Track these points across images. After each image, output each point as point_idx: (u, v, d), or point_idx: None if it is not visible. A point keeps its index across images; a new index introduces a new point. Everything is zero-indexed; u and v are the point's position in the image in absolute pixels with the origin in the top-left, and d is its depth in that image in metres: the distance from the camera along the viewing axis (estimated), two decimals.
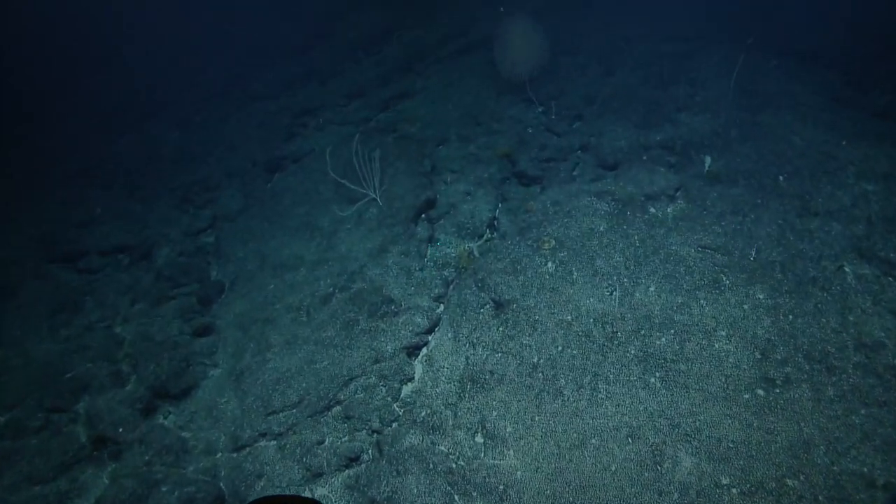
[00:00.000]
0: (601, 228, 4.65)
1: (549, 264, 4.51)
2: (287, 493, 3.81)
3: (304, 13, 11.69)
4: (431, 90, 8.42)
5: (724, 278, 4.04)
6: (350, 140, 7.62)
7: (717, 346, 3.65)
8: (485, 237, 5.56)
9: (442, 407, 3.91)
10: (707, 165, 4.95)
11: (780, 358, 3.48)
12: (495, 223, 5.68)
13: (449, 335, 4.47)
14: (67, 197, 8.17)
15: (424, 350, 4.50)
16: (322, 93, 9.16)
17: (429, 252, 5.43)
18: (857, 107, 6.12)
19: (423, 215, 5.74)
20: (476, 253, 5.32)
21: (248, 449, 4.13)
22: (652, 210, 4.69)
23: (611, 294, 4.15)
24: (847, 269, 3.89)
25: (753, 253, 4.11)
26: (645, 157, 5.39)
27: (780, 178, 4.71)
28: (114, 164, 8.72)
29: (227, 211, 7.34)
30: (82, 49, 12.38)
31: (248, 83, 9.94)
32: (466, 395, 3.91)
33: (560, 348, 3.93)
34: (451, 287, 4.92)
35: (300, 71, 9.81)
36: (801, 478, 2.97)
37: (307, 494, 3.78)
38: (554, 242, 4.68)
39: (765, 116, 5.54)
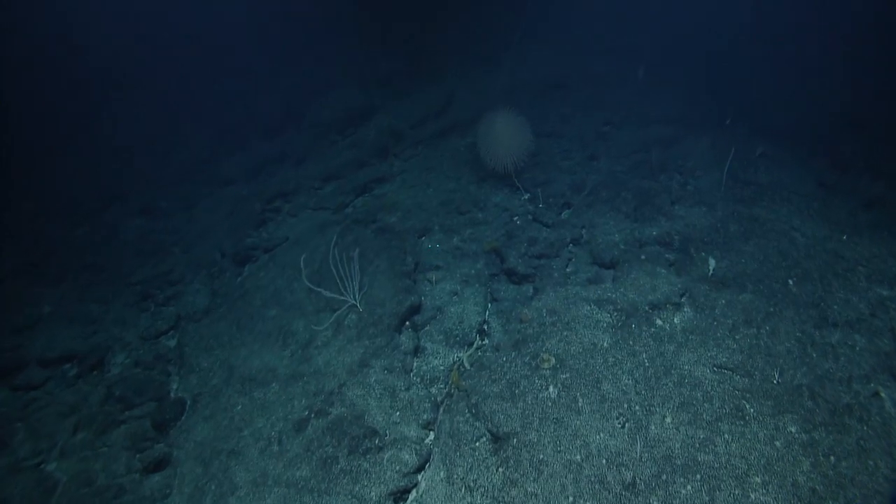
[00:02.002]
0: (605, 344, 4.23)
1: (551, 388, 4.03)
2: None
3: (279, 90, 11.55)
4: (410, 173, 8.16)
5: (748, 406, 3.62)
6: (326, 228, 7.22)
7: (753, 497, 3.17)
8: (475, 344, 5.10)
9: None
10: (711, 268, 4.65)
11: None
12: (486, 327, 5.24)
13: (441, 475, 3.89)
14: (10, 295, 7.44)
15: (414, 494, 3.90)
16: (296, 175, 8.82)
17: (415, 365, 4.92)
18: (844, 193, 6.01)
19: (406, 322, 5.26)
20: (467, 364, 4.84)
21: None
22: (658, 322, 4.31)
23: (622, 426, 3.67)
24: (883, 395, 3.52)
25: (776, 375, 3.73)
26: (643, 257, 5.08)
27: (790, 282, 4.42)
28: (68, 257, 8.07)
29: (193, 309, 6.74)
30: (37, 130, 11.87)
31: (219, 165, 9.57)
32: None
33: (571, 499, 3.40)
34: (442, 410, 4.39)
35: (274, 152, 9.51)
36: None
37: None
38: (554, 360, 4.23)
39: (761, 210, 5.34)
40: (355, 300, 5.31)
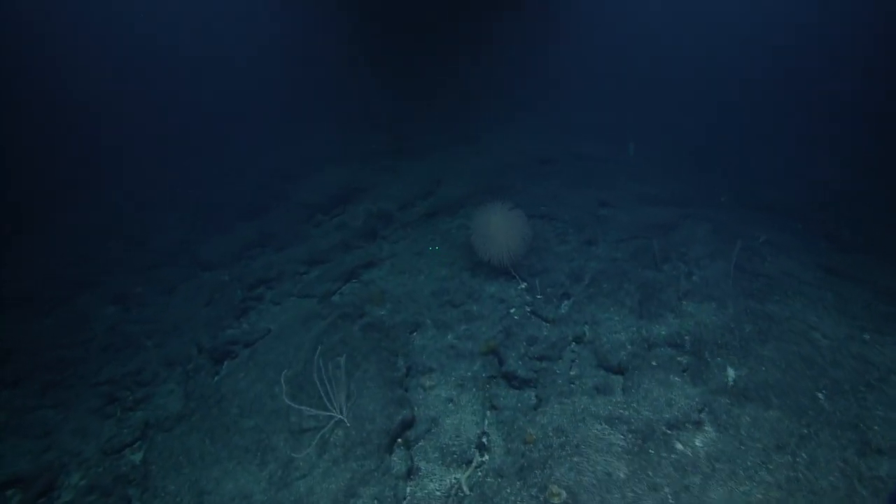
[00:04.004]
0: (621, 475, 3.76)
1: None
2: None
3: (259, 170, 11.39)
4: (400, 258, 7.83)
5: None
6: (310, 320, 6.77)
7: None
8: (474, 462, 4.58)
9: None
10: (731, 378, 4.27)
11: None
12: (485, 440, 4.74)
13: None
14: None
15: None
16: (279, 260, 8.45)
17: (408, 492, 4.37)
18: (854, 280, 5.79)
19: (399, 439, 4.75)
20: (466, 489, 4.30)
21: None
22: (678, 446, 3.87)
23: None
24: None
25: None
26: (654, 362, 4.70)
27: (820, 395, 4.05)
28: (28, 354, 7.46)
29: (163, 415, 6.13)
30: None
31: (198, 248, 9.17)
32: None
33: None
34: None
35: (255, 235, 9.17)
36: None
37: None
38: (565, 495, 3.73)
39: (774, 306, 5.05)
40: (342, 415, 4.80)
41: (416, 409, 5.01)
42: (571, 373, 5.09)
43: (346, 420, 4.79)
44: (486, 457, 4.64)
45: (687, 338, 4.92)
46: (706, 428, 4.01)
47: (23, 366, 7.28)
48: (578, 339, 5.43)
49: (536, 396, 4.96)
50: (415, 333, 6.07)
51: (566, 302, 6.08)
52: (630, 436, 4.03)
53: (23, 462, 5.78)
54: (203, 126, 15.05)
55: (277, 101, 15.64)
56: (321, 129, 12.82)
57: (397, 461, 4.53)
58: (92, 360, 7.25)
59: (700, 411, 4.13)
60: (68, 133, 14.25)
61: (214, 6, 20.01)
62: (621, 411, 4.29)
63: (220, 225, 9.83)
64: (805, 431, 3.80)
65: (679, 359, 4.75)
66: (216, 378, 6.47)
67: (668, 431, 4.00)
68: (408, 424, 4.82)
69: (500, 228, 6.06)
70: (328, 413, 4.76)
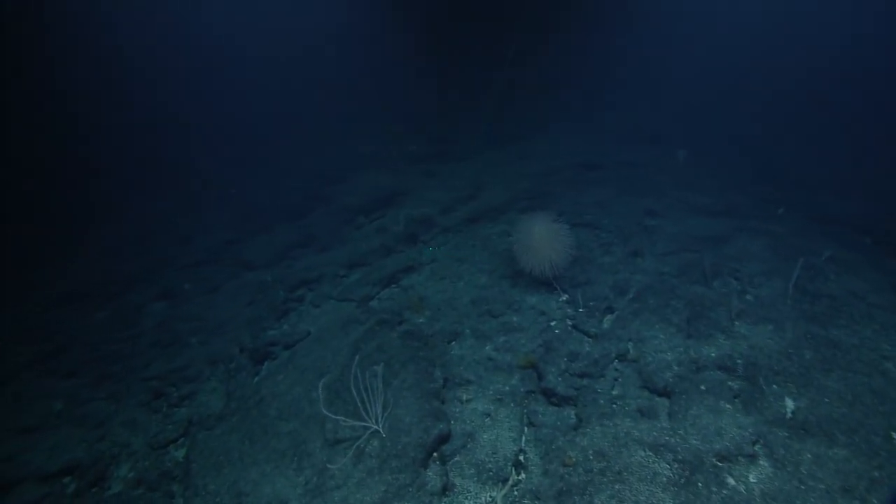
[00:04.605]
0: None
1: None
2: None
3: (303, 172, 11.58)
4: (440, 263, 7.78)
5: None
6: (349, 325, 6.80)
7: None
8: (511, 481, 4.47)
9: None
10: (789, 410, 3.99)
11: None
12: (522, 458, 4.62)
13: None
14: (21, 390, 7.17)
15: None
16: (320, 262, 8.55)
17: None
18: None
19: (434, 453, 4.68)
20: None
21: None
22: (730, 481, 3.64)
23: None
24: None
25: None
26: (702, 386, 4.45)
27: (894, 435, 3.72)
28: (84, 346, 7.83)
29: (206, 413, 6.29)
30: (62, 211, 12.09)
31: (242, 248, 9.40)
32: None
33: None
34: None
35: (297, 236, 9.31)
36: None
37: None
38: None
39: (840, 331, 4.70)
40: (378, 425, 4.78)
41: (452, 422, 4.93)
42: (614, 392, 4.90)
43: (381, 431, 4.77)
44: (523, 475, 4.52)
45: (739, 362, 4.65)
46: (761, 462, 3.76)
47: (78, 357, 7.65)
48: (622, 357, 5.22)
49: (576, 415, 4.80)
50: (453, 343, 6.00)
51: (609, 316, 5.87)
52: (676, 465, 3.82)
53: (79, 450, 6.05)
54: (250, 127, 15.46)
55: (321, 102, 15.89)
56: (364, 131, 12.92)
57: (432, 476, 4.47)
58: (141, 354, 7.53)
59: (754, 443, 3.87)
60: (133, 135, 14.94)
61: (261, 5, 20.40)
62: (667, 438, 4.08)
63: (263, 225, 10.05)
64: (877, 475, 3.50)
65: (730, 384, 4.49)
66: (256, 379, 6.60)
67: (719, 463, 3.78)
68: (444, 439, 4.75)
69: (543, 240, 5.90)
70: (365, 424, 4.74)
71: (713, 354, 4.78)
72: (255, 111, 16.58)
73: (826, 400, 4.04)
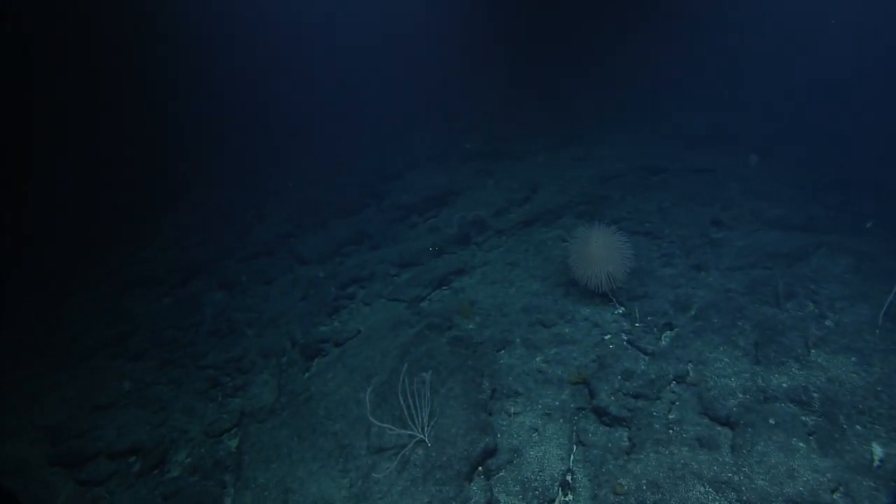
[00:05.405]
0: None
1: None
2: None
3: (359, 168, 11.69)
4: (492, 266, 7.65)
5: None
6: (399, 326, 6.81)
7: None
8: (557, 502, 4.34)
9: None
10: (878, 457, 3.62)
11: None
12: (570, 478, 4.46)
13: None
14: (96, 369, 7.66)
15: None
16: (372, 259, 8.61)
17: None
18: None
19: (479, 467, 4.60)
20: None
21: None
22: None
23: None
24: None
25: None
26: (772, 420, 4.13)
27: None
28: (150, 331, 8.26)
29: (257, 406, 6.49)
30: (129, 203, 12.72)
31: (296, 244, 9.62)
32: None
33: None
34: None
35: (351, 233, 9.42)
36: None
37: None
38: None
39: None
40: (423, 434, 4.74)
41: (498, 435, 4.83)
42: (670, 416, 4.63)
43: (427, 440, 4.73)
44: (570, 497, 4.37)
45: (815, 395, 4.27)
46: None
47: (144, 342, 8.08)
48: (680, 379, 4.93)
49: (629, 438, 4.58)
50: (502, 352, 5.88)
51: (668, 333, 5.57)
52: None
53: (143, 432, 6.40)
54: (313, 122, 15.79)
55: (381, 98, 15.99)
56: (421, 128, 12.91)
57: (476, 491, 4.39)
58: (200, 342, 7.87)
59: (833, 491, 3.54)
60: (197, 125, 15.61)
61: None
62: (730, 475, 3.81)
63: (318, 221, 10.25)
64: None
65: (804, 419, 4.14)
66: (307, 375, 6.73)
67: None
68: (490, 452, 4.66)
69: (601, 252, 5.65)
70: (410, 433, 4.72)
71: (785, 385, 4.42)
72: (320, 101, 16.85)
73: None
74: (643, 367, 5.14)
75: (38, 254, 11.46)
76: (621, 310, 6.02)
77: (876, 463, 3.63)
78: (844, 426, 3.95)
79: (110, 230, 12.02)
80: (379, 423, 4.79)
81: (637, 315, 5.81)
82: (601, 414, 4.86)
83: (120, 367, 7.69)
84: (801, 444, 3.90)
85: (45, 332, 8.85)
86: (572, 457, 4.67)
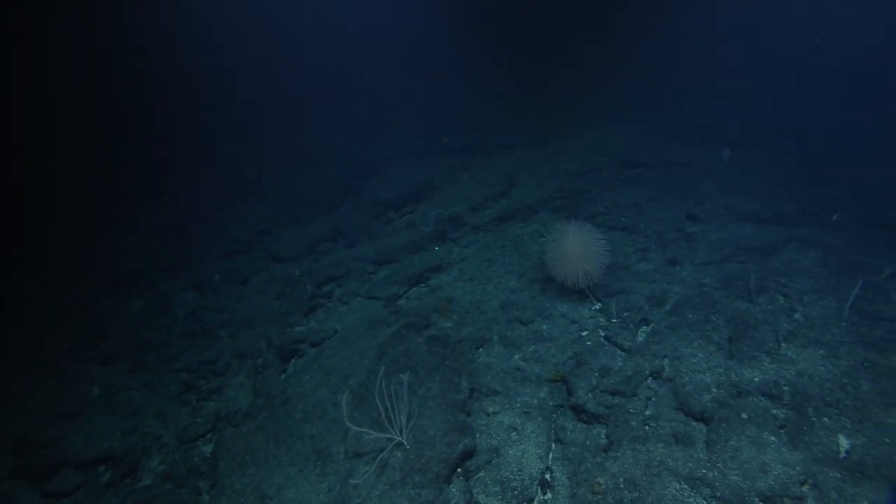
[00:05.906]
0: None
1: None
2: None
3: (336, 164, 11.50)
4: (469, 263, 7.61)
5: None
6: (376, 326, 6.73)
7: None
8: (536, 501, 4.35)
9: None
10: (843, 449, 3.70)
11: None
12: (549, 477, 4.47)
13: None
14: (64, 373, 7.42)
15: None
16: (349, 257, 8.49)
17: None
18: None
19: (458, 469, 4.58)
20: None
21: None
22: None
23: None
24: None
25: None
26: (744, 415, 4.19)
27: None
28: (120, 333, 8.03)
29: (233, 409, 6.36)
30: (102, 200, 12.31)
31: (272, 241, 9.44)
32: None
33: None
34: None
35: (327, 230, 9.27)
36: None
37: None
38: None
39: None
40: (402, 437, 4.70)
41: (477, 436, 4.81)
42: (647, 413, 4.67)
43: (405, 443, 4.69)
44: (549, 495, 4.38)
45: (786, 388, 4.35)
46: None
47: (115, 345, 7.85)
48: (656, 375, 4.98)
49: (607, 436, 4.61)
50: (480, 350, 5.86)
51: (644, 329, 5.61)
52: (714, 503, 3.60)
53: (113, 439, 6.22)
54: (290, 117, 15.46)
55: (360, 92, 15.74)
56: (400, 122, 12.75)
57: (456, 493, 4.37)
58: (173, 344, 7.68)
59: (802, 483, 3.61)
60: (169, 120, 15.16)
61: None
62: (704, 471, 3.85)
63: (294, 218, 10.07)
64: None
65: (775, 412, 4.21)
66: (283, 376, 6.62)
67: None
68: (469, 454, 4.64)
69: (577, 249, 5.65)
70: (389, 436, 4.66)
71: (756, 379, 4.49)
72: (298, 96, 16.49)
73: (887, 440, 3.73)
74: (620, 363, 5.17)
75: (2, 253, 11.03)
76: (598, 306, 6.05)
77: (842, 454, 3.71)
78: (813, 419, 4.02)
79: (80, 228, 11.63)
80: (356, 428, 4.71)
81: (614, 311, 5.84)
82: (579, 411, 4.88)
83: (89, 372, 7.46)
84: (773, 438, 3.97)
85: (10, 335, 8.53)
86: (551, 455, 4.68)
